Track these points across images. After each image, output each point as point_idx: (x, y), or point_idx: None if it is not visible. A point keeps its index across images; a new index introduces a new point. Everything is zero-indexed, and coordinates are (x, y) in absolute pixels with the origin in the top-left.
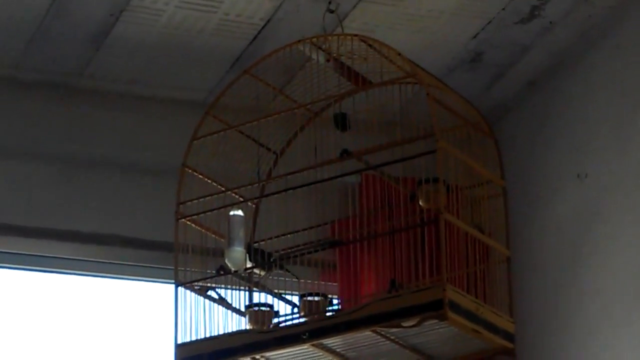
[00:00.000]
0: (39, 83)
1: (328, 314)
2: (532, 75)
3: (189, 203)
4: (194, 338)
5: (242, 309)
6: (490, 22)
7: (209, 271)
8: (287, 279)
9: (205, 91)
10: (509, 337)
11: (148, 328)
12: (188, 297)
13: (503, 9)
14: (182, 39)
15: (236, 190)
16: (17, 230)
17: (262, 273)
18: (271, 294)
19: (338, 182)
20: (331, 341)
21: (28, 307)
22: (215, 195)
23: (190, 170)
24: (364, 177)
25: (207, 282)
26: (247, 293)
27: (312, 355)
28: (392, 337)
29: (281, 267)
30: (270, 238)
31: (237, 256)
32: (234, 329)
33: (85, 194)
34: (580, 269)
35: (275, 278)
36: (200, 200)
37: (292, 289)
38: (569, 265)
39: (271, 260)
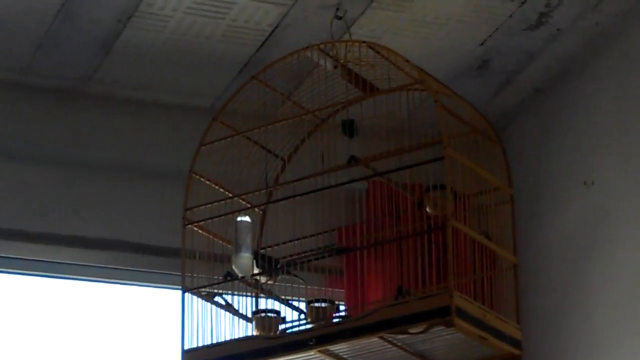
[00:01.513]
0: (47, 88)
1: (335, 320)
2: (540, 82)
3: (196, 209)
4: (200, 344)
5: (249, 315)
6: (497, 29)
7: (216, 277)
8: (294, 285)
9: (213, 97)
10: (516, 343)
11: (155, 334)
12: (195, 303)
13: (510, 16)
14: (190, 45)
15: (243, 197)
16: (23, 236)
17: (270, 281)
18: (278, 300)
19: (345, 188)
20: (338, 347)
21: (34, 313)
22: (223, 202)
23: (197, 176)
24: (371, 183)
25: (214, 288)
26: (253, 299)
27: None
28: (399, 344)
29: (288, 272)
30: (278, 244)
31: (244, 262)
32: (241, 335)
33: (92, 199)
34: (587, 276)
35: (282, 284)
36: (208, 206)
37: (298, 295)
38: (575, 272)
39: (278, 266)
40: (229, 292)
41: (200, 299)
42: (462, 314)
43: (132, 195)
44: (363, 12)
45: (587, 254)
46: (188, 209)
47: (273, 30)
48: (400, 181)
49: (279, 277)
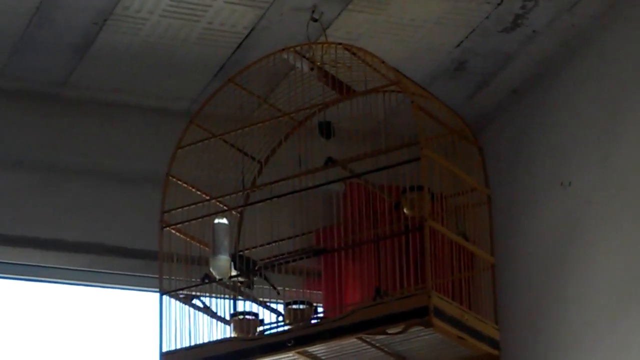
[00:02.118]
0: (22, 92)
1: (313, 321)
2: (516, 83)
3: (174, 212)
4: (179, 346)
5: (227, 317)
6: (473, 30)
7: (193, 280)
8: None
9: (189, 100)
10: (494, 343)
11: (133, 336)
12: (173, 305)
13: (486, 17)
14: (165, 47)
15: (220, 199)
16: (1, 239)
17: (248, 284)
18: (256, 302)
19: (322, 190)
20: (316, 349)
21: (12, 316)
22: (200, 204)
23: (174, 179)
24: (348, 185)
25: (192, 291)
26: (231, 301)
27: None
28: (377, 345)
29: (262, 276)
30: (255, 246)
31: (221, 264)
32: (219, 337)
33: (69, 203)
34: (564, 276)
35: (260, 286)
36: (185, 208)
37: (276, 297)
38: (553, 272)
39: (256, 268)
40: (207, 294)
41: (178, 302)
42: (440, 314)
43: (109, 198)
44: (339, 14)
45: (565, 254)
46: (165, 212)
47: (249, 33)
48: (378, 182)
49: (255, 279)
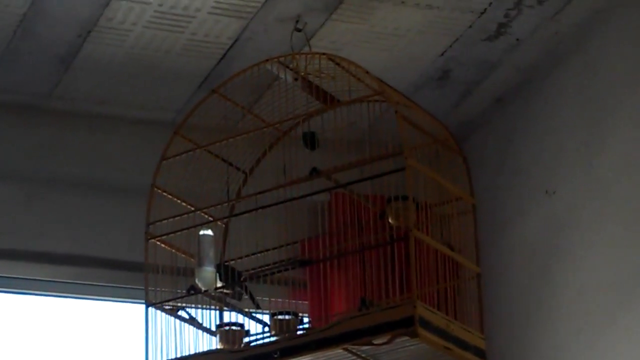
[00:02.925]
0: (7, 104)
1: (299, 332)
2: (500, 92)
3: (159, 223)
4: (165, 358)
5: (213, 328)
6: (457, 39)
7: (179, 291)
8: (257, 297)
9: (174, 111)
10: (480, 353)
11: (119, 348)
12: (159, 317)
13: (470, 26)
14: (150, 59)
15: (206, 210)
16: None
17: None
18: (242, 313)
19: (307, 200)
20: None
21: None
22: (185, 215)
23: (159, 191)
24: (333, 195)
25: (177, 302)
26: (217, 312)
27: None
28: (364, 355)
29: (245, 288)
30: (241, 257)
31: (207, 276)
32: (205, 349)
33: (54, 215)
34: (550, 284)
35: (246, 297)
36: (170, 220)
37: (262, 308)
38: (538, 280)
39: (241, 279)
40: (193, 305)
41: (164, 313)
42: (426, 325)
43: (94, 210)
44: (323, 24)
45: (550, 263)
46: (150, 224)
47: (233, 44)
48: (362, 192)
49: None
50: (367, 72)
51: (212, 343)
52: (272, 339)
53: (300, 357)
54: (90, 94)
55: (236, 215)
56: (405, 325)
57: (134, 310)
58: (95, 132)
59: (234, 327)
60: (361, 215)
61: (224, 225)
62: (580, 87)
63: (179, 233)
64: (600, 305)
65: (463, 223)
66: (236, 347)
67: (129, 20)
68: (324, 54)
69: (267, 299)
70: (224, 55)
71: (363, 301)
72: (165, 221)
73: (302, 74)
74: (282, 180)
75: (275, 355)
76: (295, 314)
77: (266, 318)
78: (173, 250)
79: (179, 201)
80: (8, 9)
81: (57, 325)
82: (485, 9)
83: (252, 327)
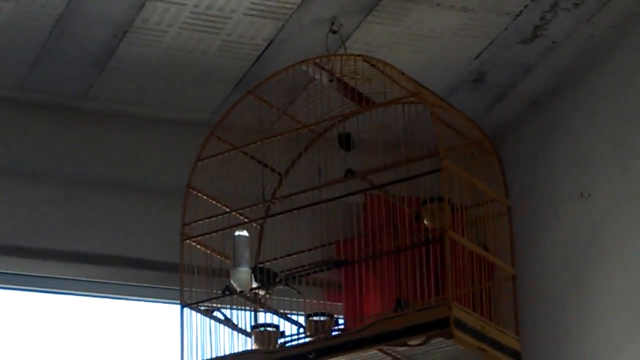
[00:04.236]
0: (42, 105)
1: (334, 333)
2: (535, 95)
3: (194, 224)
4: (200, 359)
5: (248, 329)
6: (492, 42)
7: (214, 292)
8: (292, 299)
9: (209, 112)
10: (515, 355)
11: (154, 349)
12: (194, 317)
13: (506, 29)
14: (185, 60)
15: (241, 211)
16: (21, 252)
17: (268, 294)
18: (277, 314)
19: (342, 202)
20: None
21: (33, 329)
22: (220, 216)
23: (195, 192)
24: (368, 196)
25: (212, 303)
26: (252, 313)
27: None
28: (399, 356)
29: (286, 285)
30: (276, 258)
31: (242, 277)
32: (240, 350)
33: (89, 215)
34: (584, 287)
35: (281, 298)
36: (205, 221)
37: (297, 309)
38: (573, 282)
39: (277, 280)
40: (228, 306)
41: (199, 314)
42: (461, 326)
43: (130, 210)
44: (358, 25)
45: (585, 265)
46: (186, 224)
47: (268, 45)
48: (397, 194)
49: (277, 288)
50: (403, 74)
51: (247, 344)
52: (307, 340)
53: (336, 358)
54: (125, 95)
55: (271, 216)
56: (441, 327)
57: (170, 311)
58: (130, 133)
59: (269, 328)
60: (396, 217)
61: (259, 227)
62: (615, 90)
63: (214, 234)
64: (633, 309)
65: (498, 225)
66: (271, 348)
67: (164, 21)
68: (359, 55)
69: (302, 300)
70: (259, 56)
71: (398, 302)
72: (201, 222)
73: (338, 75)
74: (317, 181)
75: (311, 356)
76: (331, 315)
77: (301, 319)
78: (208, 251)
79: (214, 202)
80: (44, 10)
81: (92, 325)
82: (521, 12)
83: (287, 328)
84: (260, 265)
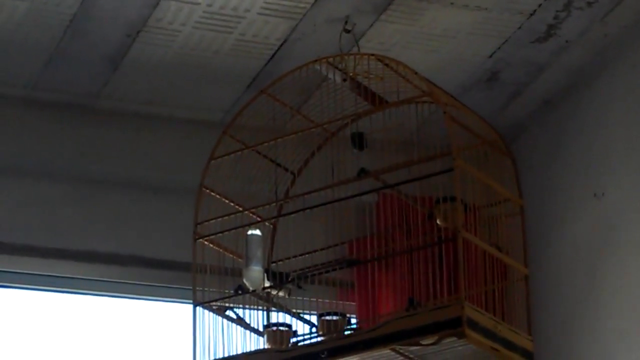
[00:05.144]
0: (56, 103)
1: (346, 332)
2: (549, 94)
3: (207, 223)
4: (212, 358)
5: (261, 328)
6: (506, 41)
7: (227, 291)
8: (305, 298)
9: (222, 111)
10: (528, 355)
11: (167, 348)
12: (206, 317)
13: (519, 28)
14: (198, 59)
15: (254, 210)
16: (34, 251)
17: (281, 293)
18: (289, 314)
19: (355, 201)
20: None
21: (46, 328)
22: (233, 215)
23: (208, 191)
24: (381, 196)
25: (225, 302)
26: (265, 313)
27: None
28: (411, 356)
29: (298, 286)
30: (289, 258)
31: (255, 276)
32: (253, 349)
33: (102, 215)
34: (598, 287)
35: (294, 298)
36: (218, 220)
37: (310, 309)
38: (586, 283)
39: (289, 279)
40: (240, 305)
41: (211, 313)
42: (474, 325)
43: (143, 209)
44: (372, 25)
45: (598, 265)
46: (199, 223)
47: (282, 44)
48: (410, 193)
49: (289, 288)
50: (416, 73)
51: (260, 343)
52: (320, 339)
53: (348, 358)
54: (139, 94)
55: (284, 215)
56: (453, 326)
57: (182, 310)
58: (143, 132)
59: (281, 328)
60: (409, 216)
61: (271, 226)
62: (629, 89)
63: (226, 233)
64: None
65: (511, 224)
66: (283, 347)
67: (178, 21)
68: (372, 54)
69: (315, 299)
70: (273, 55)
71: (411, 302)
72: (213, 221)
73: (351, 74)
74: (330, 180)
75: (323, 356)
76: (343, 315)
77: (313, 319)
78: (221, 250)
79: (227, 201)
80: (58, 9)
81: (104, 325)
82: (535, 11)
83: (300, 327)
84: (273, 265)
